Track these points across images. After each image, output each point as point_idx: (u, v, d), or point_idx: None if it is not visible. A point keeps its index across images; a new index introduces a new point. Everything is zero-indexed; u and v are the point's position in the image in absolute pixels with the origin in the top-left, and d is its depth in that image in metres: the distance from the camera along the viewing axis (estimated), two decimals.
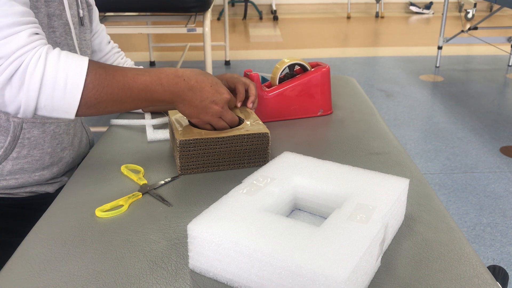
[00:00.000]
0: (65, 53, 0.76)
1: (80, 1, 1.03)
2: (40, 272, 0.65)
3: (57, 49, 0.77)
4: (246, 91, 1.02)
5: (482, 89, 3.56)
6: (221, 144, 0.90)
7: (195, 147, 0.88)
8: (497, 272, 1.48)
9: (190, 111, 0.88)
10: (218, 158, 0.91)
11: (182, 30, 2.40)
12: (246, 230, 0.61)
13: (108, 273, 0.65)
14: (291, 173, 0.76)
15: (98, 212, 0.78)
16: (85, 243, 0.71)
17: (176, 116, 0.99)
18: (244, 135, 0.90)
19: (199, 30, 2.36)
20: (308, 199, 0.75)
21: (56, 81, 0.74)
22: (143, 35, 3.97)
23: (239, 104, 1.00)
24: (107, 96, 0.78)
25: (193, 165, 0.90)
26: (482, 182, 2.32)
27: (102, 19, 2.39)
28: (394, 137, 1.07)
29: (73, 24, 0.98)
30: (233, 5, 6.29)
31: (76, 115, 0.78)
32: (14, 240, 0.76)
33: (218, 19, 5.82)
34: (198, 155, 0.89)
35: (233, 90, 1.02)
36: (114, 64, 1.15)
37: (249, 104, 1.01)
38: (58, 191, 1.01)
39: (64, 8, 0.94)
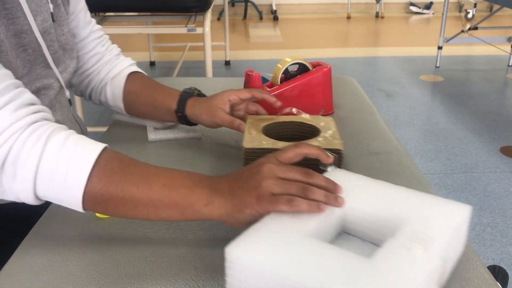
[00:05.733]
0: (73, 142, 0.64)
1: None
2: (40, 272, 0.65)
3: (64, 134, 0.65)
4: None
5: (482, 89, 3.56)
6: None
7: (260, 156, 0.78)
8: (497, 272, 1.48)
9: (238, 198, 0.63)
10: None
11: (182, 30, 2.40)
12: (290, 259, 0.55)
13: (108, 273, 0.65)
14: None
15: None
16: (85, 243, 0.71)
17: (251, 119, 0.93)
18: None
19: (199, 30, 2.36)
20: (357, 222, 0.67)
21: (53, 177, 0.62)
22: (143, 35, 3.97)
23: (278, 104, 0.93)
24: (110, 199, 0.64)
25: None
26: (482, 182, 2.32)
27: (102, 19, 2.39)
28: (394, 137, 1.07)
29: (44, 31, 0.85)
30: (233, 5, 6.29)
31: (85, 210, 0.66)
32: (14, 240, 0.76)
33: (218, 19, 5.81)
34: None
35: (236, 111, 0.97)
36: (91, 54, 1.01)
37: (275, 100, 0.95)
38: None
39: (34, 18, 0.82)
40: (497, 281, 0.66)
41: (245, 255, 0.56)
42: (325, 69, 1.16)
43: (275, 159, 0.66)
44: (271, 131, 0.92)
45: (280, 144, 0.82)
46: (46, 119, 0.67)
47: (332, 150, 0.80)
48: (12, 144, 0.61)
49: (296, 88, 1.14)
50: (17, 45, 0.80)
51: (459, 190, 2.26)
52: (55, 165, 0.62)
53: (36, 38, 0.83)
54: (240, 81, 1.32)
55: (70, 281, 0.64)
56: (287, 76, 1.17)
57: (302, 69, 1.17)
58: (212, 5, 2.50)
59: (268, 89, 1.14)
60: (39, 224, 0.76)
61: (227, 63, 4.14)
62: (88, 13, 1.03)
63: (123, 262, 0.67)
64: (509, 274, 1.51)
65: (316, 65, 1.18)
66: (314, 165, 0.81)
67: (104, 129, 1.24)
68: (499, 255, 1.83)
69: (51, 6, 0.88)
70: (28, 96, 0.67)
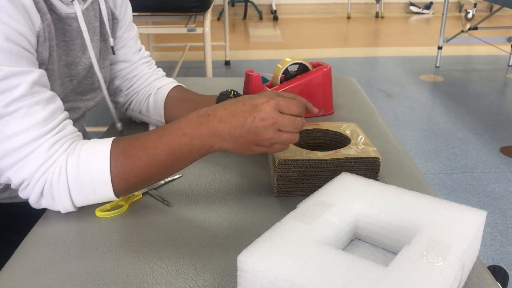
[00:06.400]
0: (84, 154, 0.73)
1: (109, 26, 0.97)
2: (40, 272, 0.65)
3: (77, 151, 0.73)
4: None
5: (482, 89, 3.56)
6: (324, 167, 0.80)
7: (294, 168, 0.79)
8: (497, 272, 1.48)
9: (241, 145, 0.72)
10: (319, 182, 0.80)
11: (182, 30, 2.40)
12: (303, 268, 0.54)
13: (108, 273, 0.65)
14: (351, 199, 0.68)
15: (98, 212, 0.78)
16: (85, 243, 0.71)
17: None
18: (351, 158, 0.80)
19: (199, 30, 2.36)
20: (370, 229, 0.67)
21: (83, 189, 0.73)
22: (143, 35, 3.97)
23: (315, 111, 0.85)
24: (136, 179, 0.74)
25: (292, 187, 0.81)
26: (482, 182, 2.32)
27: None
28: (394, 137, 1.07)
29: (90, 65, 0.94)
30: (233, 5, 6.29)
31: (121, 197, 0.77)
32: (14, 239, 0.76)
33: (218, 19, 5.81)
34: (297, 177, 0.80)
35: None
36: (140, 75, 1.08)
37: (315, 110, 0.87)
38: None
39: (84, 51, 0.90)
40: (497, 281, 0.66)
41: (257, 263, 0.55)
42: (325, 69, 1.16)
43: (277, 111, 0.71)
44: (306, 141, 0.90)
45: (314, 154, 0.80)
46: (68, 146, 0.74)
47: (369, 159, 0.80)
48: (47, 176, 0.72)
49: (296, 88, 1.14)
50: (65, 74, 0.87)
51: (459, 190, 2.26)
52: (80, 182, 0.72)
53: (82, 69, 0.91)
54: (240, 81, 1.32)
55: (70, 281, 0.64)
56: (287, 76, 1.17)
57: (302, 69, 1.17)
58: (212, 5, 2.50)
59: (268, 89, 1.14)
60: (39, 224, 0.76)
61: (227, 63, 4.14)
62: (139, 40, 1.11)
63: (123, 262, 0.67)
64: (509, 274, 1.51)
65: (316, 65, 1.18)
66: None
67: (104, 129, 1.24)
68: (499, 255, 1.83)
69: (111, 40, 0.97)
70: (68, 129, 0.76)
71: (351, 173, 0.78)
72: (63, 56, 0.86)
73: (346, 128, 0.91)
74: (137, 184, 0.76)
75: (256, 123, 0.70)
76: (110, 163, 0.72)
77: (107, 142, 0.74)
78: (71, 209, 0.76)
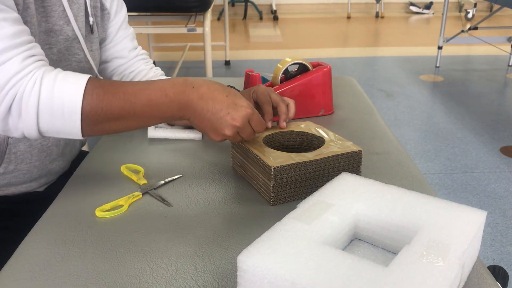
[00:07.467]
0: (62, 76, 0.72)
1: (93, 6, 0.98)
2: (40, 272, 0.65)
3: (55, 72, 0.72)
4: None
5: (482, 89, 3.56)
6: (315, 167, 0.81)
7: (289, 173, 0.79)
8: (497, 272, 1.48)
9: (204, 125, 0.79)
10: (311, 182, 0.82)
11: (182, 30, 2.40)
12: (304, 268, 0.54)
13: (108, 273, 0.65)
14: (351, 199, 0.68)
15: (98, 212, 0.78)
16: (85, 243, 0.71)
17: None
18: (338, 155, 0.82)
19: (199, 30, 2.36)
20: (370, 229, 0.67)
21: (52, 108, 0.71)
22: (143, 35, 3.97)
23: (269, 124, 0.91)
24: (107, 116, 0.73)
25: (286, 193, 0.81)
26: (482, 182, 2.32)
27: None
28: (394, 137, 1.07)
29: (73, 38, 0.93)
30: (233, 5, 6.29)
31: (83, 136, 0.74)
32: (12, 237, 0.76)
33: (218, 19, 5.81)
34: (291, 182, 0.80)
35: (261, 106, 0.93)
36: (137, 71, 1.09)
37: (282, 124, 0.92)
38: (47, 189, 1.01)
39: (67, 21, 0.90)
40: (497, 281, 0.66)
41: (257, 263, 0.55)
42: (325, 69, 1.16)
43: (248, 120, 0.80)
44: (269, 144, 0.90)
45: (304, 156, 0.81)
46: (43, 65, 0.74)
47: (353, 153, 0.83)
48: (19, 87, 0.69)
49: (296, 88, 1.14)
50: (44, 41, 0.86)
51: (459, 190, 2.26)
52: (51, 100, 0.70)
53: (63, 40, 0.90)
54: (240, 81, 1.32)
55: (70, 281, 0.64)
56: (287, 76, 1.17)
57: (302, 69, 1.17)
58: (212, 5, 2.50)
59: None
60: (39, 224, 0.76)
61: (227, 63, 4.14)
62: (135, 40, 1.11)
63: (123, 262, 0.67)
64: (509, 274, 1.51)
65: (316, 65, 1.18)
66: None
67: None
68: (499, 255, 1.83)
69: (91, 19, 0.96)
70: (38, 50, 0.75)
71: (338, 169, 0.81)
72: (42, 23, 0.85)
73: (308, 127, 0.93)
74: (104, 124, 0.74)
75: (227, 118, 0.77)
76: (85, 91, 0.71)
77: (89, 75, 0.74)
78: (34, 134, 0.72)
